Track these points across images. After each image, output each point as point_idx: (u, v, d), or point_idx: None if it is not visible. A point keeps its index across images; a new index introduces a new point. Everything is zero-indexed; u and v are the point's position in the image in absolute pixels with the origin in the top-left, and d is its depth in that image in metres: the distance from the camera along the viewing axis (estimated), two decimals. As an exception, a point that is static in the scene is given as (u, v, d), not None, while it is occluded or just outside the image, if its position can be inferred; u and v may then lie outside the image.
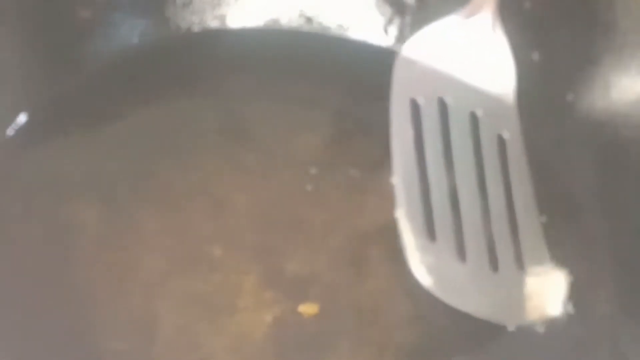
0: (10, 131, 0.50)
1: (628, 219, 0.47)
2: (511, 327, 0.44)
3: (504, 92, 0.48)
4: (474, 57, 0.49)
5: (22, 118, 0.50)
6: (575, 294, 0.45)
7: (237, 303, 0.45)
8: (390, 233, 0.48)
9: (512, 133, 0.47)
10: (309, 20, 0.56)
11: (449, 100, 0.47)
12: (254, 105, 0.53)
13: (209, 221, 0.48)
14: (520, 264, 0.45)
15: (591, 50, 0.50)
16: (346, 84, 0.54)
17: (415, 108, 0.46)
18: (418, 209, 0.44)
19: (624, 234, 0.47)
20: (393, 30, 0.55)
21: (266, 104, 0.53)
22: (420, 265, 0.43)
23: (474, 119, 0.47)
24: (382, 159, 0.50)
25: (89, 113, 0.51)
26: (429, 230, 0.44)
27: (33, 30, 0.51)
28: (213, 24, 0.55)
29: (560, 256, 0.46)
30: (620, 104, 0.49)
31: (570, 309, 0.45)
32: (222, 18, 0.56)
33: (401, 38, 0.55)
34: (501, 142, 0.47)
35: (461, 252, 0.44)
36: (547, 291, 0.44)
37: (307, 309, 0.45)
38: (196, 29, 0.55)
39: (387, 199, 0.49)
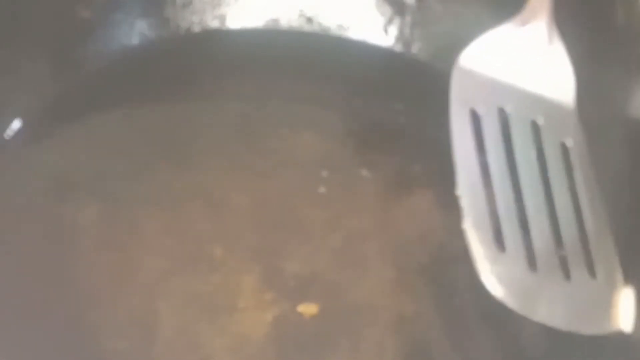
0: (10, 131, 0.50)
1: (632, 219, 0.47)
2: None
3: (564, 99, 0.48)
4: (532, 64, 0.48)
5: (22, 118, 0.50)
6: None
7: (237, 303, 0.45)
8: (391, 232, 0.48)
9: (575, 140, 0.47)
10: (309, 20, 0.56)
11: (509, 109, 0.47)
12: (254, 105, 0.53)
13: (209, 221, 0.48)
14: (592, 272, 0.44)
15: (593, 50, 0.50)
16: (346, 84, 0.54)
17: (475, 118, 0.46)
18: (485, 220, 0.44)
19: (626, 233, 0.46)
20: (393, 30, 0.55)
21: (266, 104, 0.53)
22: (490, 276, 0.42)
23: (535, 128, 0.47)
24: (386, 158, 0.50)
25: (89, 113, 0.51)
26: (498, 241, 0.43)
27: (33, 30, 0.51)
28: (213, 24, 0.55)
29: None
30: (623, 104, 0.49)
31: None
32: (222, 18, 0.56)
33: (401, 38, 0.55)
34: (565, 150, 0.47)
35: (532, 261, 0.43)
36: (620, 300, 0.44)
37: (307, 309, 0.45)
38: (196, 29, 0.55)
39: (389, 198, 0.49)
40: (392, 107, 0.53)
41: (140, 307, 0.45)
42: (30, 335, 0.44)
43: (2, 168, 0.49)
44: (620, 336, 0.42)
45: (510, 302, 0.42)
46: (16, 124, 0.50)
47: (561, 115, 0.48)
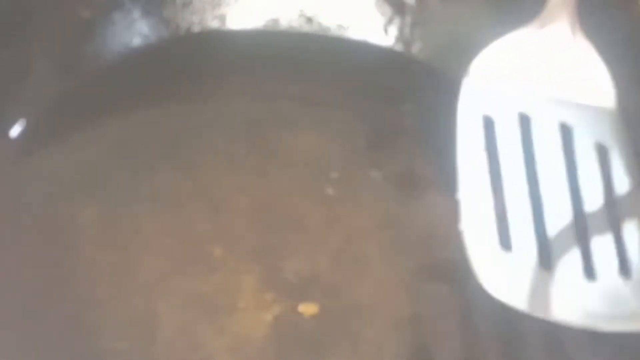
0: (10, 132, 0.50)
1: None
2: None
3: (599, 100, 0.47)
4: (556, 67, 0.47)
5: (22, 118, 0.50)
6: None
7: (237, 303, 0.45)
8: (392, 233, 0.48)
9: (614, 140, 0.46)
10: (309, 20, 0.56)
11: (530, 112, 0.46)
12: (253, 105, 0.53)
13: (209, 221, 0.48)
14: (626, 272, 0.43)
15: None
16: (346, 84, 0.54)
17: (487, 123, 0.45)
18: (487, 221, 0.43)
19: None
20: (393, 30, 0.55)
21: (266, 105, 0.53)
22: (491, 277, 0.42)
23: (564, 130, 0.46)
24: (390, 159, 0.50)
25: (89, 113, 0.51)
26: (503, 241, 0.43)
27: (33, 30, 0.51)
28: (213, 24, 0.55)
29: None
30: (624, 107, 0.49)
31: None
32: (222, 18, 0.56)
33: (401, 38, 0.55)
34: (601, 150, 0.46)
35: (546, 260, 0.43)
36: None
37: (307, 309, 0.45)
38: (196, 29, 0.55)
39: (393, 199, 0.49)
40: (392, 107, 0.53)
41: (140, 307, 0.45)
42: (30, 335, 0.44)
43: (4, 168, 0.49)
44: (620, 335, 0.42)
45: (514, 303, 0.42)
46: (18, 125, 0.50)
47: (597, 116, 0.46)
